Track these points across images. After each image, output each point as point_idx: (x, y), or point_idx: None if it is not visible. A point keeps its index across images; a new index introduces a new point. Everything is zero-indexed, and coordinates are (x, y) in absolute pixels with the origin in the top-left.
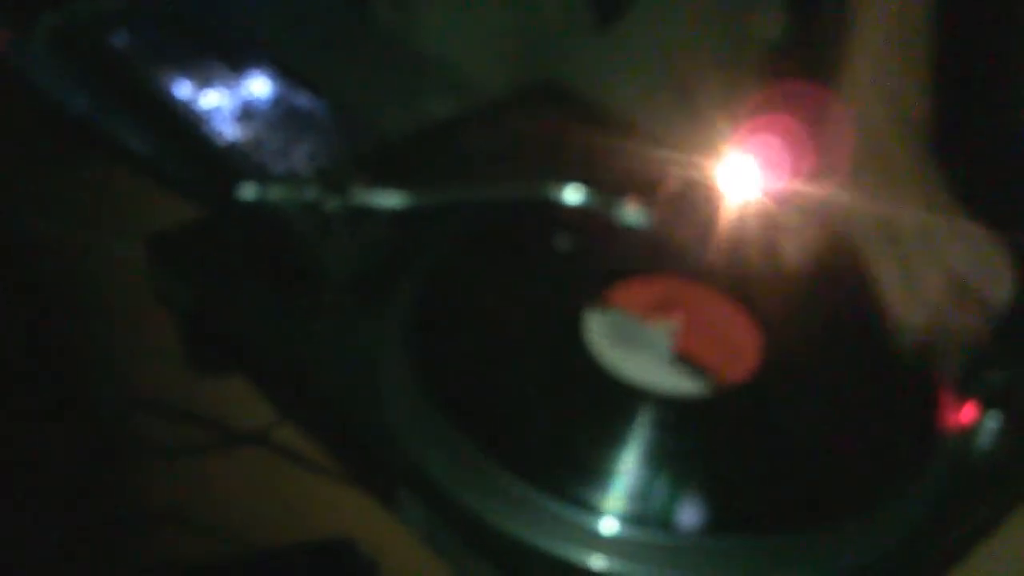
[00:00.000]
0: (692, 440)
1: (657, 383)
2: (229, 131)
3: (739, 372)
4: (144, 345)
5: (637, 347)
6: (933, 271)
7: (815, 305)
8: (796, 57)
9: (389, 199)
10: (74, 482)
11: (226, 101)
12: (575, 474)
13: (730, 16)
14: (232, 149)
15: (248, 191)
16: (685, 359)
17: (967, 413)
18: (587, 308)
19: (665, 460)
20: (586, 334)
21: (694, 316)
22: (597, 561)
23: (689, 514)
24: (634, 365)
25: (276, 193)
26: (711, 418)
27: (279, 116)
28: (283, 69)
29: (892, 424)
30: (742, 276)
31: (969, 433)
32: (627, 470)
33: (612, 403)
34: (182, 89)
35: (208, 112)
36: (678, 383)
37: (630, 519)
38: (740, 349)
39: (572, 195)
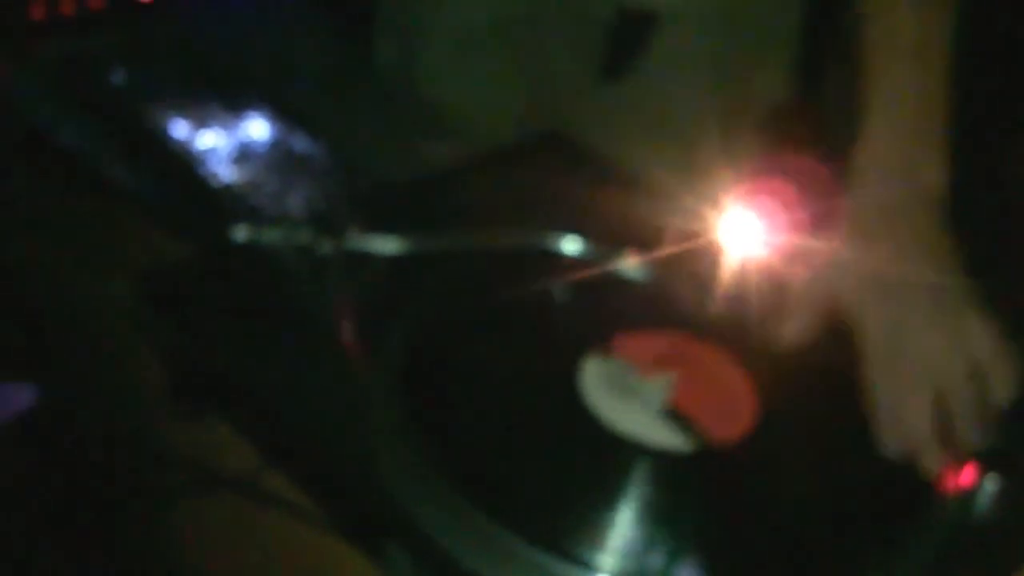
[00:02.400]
0: (685, 497)
1: (648, 436)
2: (225, 172)
3: (733, 430)
4: (128, 384)
5: (631, 398)
6: (924, 390)
7: (813, 362)
8: (801, 118)
9: (385, 245)
10: (48, 520)
11: (223, 142)
12: (568, 529)
13: (736, 74)
14: (227, 191)
15: (242, 233)
16: (678, 414)
17: (967, 475)
18: (588, 355)
19: (659, 516)
20: (582, 386)
21: (690, 372)
22: None
23: (682, 573)
24: (627, 416)
25: (270, 236)
26: (705, 475)
27: (276, 159)
28: (281, 112)
29: (890, 485)
30: (740, 332)
31: (968, 496)
32: (622, 526)
33: (607, 458)
34: (179, 129)
35: (204, 153)
36: (669, 438)
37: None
38: (735, 406)
39: (571, 246)
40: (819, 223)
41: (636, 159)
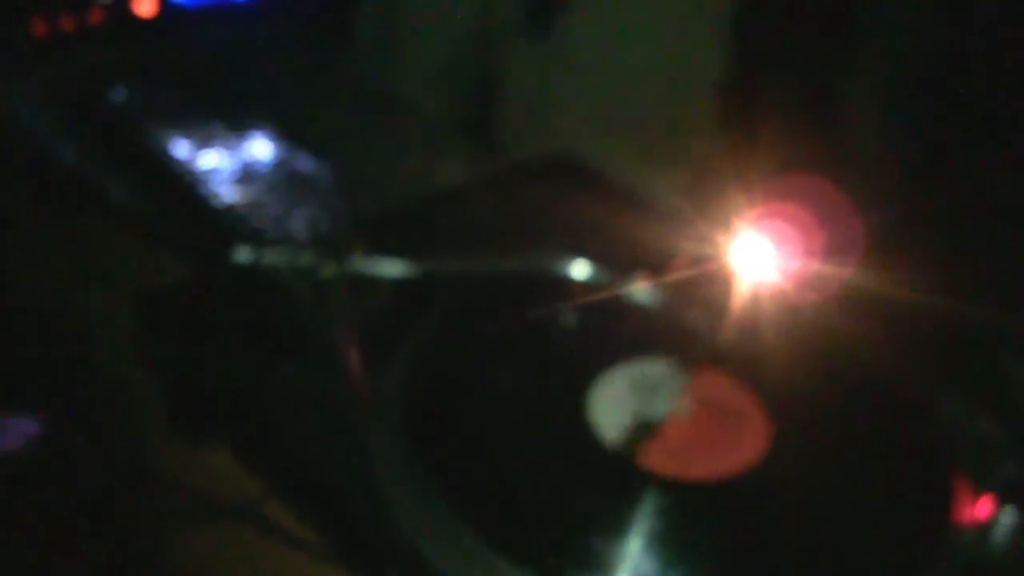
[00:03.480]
0: (696, 527)
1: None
2: (227, 192)
3: (744, 458)
4: (126, 408)
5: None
6: None
7: (826, 393)
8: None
9: (389, 267)
10: (45, 547)
11: (225, 162)
12: (577, 560)
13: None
14: (229, 211)
15: (244, 254)
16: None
17: (982, 508)
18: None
19: (670, 547)
20: (593, 412)
21: (700, 398)
22: None
23: None
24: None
25: (272, 257)
26: (715, 504)
27: (279, 179)
28: (285, 132)
29: (904, 518)
30: (751, 359)
31: (984, 528)
32: (631, 557)
33: (617, 487)
34: (180, 148)
35: (206, 172)
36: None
37: None
38: (746, 436)
39: (579, 270)
40: (834, 248)
41: (645, 179)
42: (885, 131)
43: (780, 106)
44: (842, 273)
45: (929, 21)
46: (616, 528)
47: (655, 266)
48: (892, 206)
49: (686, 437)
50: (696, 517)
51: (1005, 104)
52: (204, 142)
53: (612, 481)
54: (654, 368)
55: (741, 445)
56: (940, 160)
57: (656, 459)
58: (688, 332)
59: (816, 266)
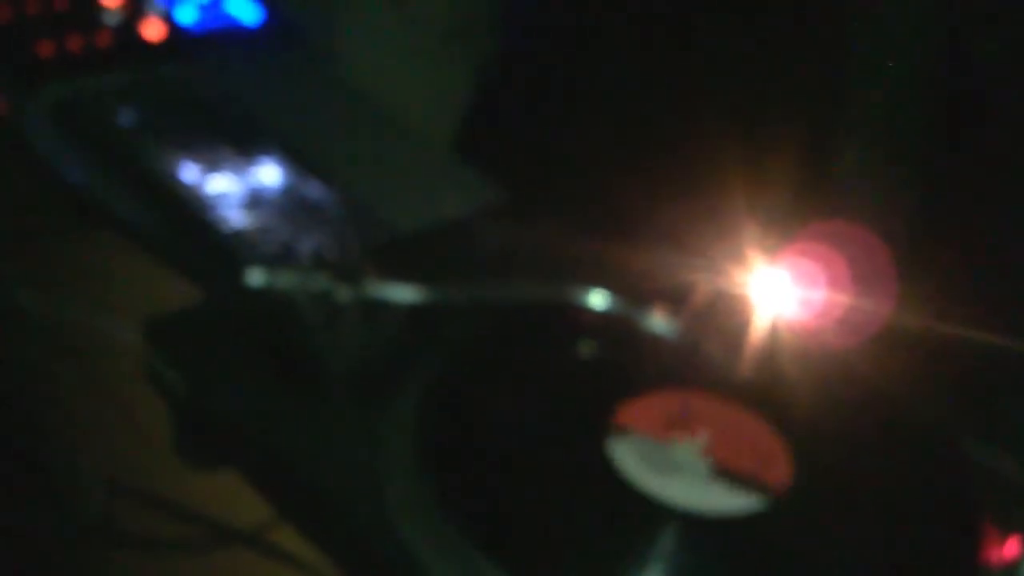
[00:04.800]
0: (715, 562)
1: (698, 502)
2: (236, 218)
3: (767, 494)
4: (134, 432)
5: (670, 468)
6: None
7: (849, 428)
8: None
9: (403, 293)
10: (46, 571)
11: (234, 187)
12: None
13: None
14: (238, 236)
15: (256, 277)
16: (724, 471)
17: (1011, 548)
18: (609, 434)
19: None
20: (617, 462)
21: (719, 432)
22: None
23: None
24: (671, 486)
25: (285, 280)
26: (735, 539)
27: (288, 205)
28: (294, 157)
29: (931, 557)
30: (772, 392)
31: (1013, 568)
32: None
33: (634, 519)
34: (188, 172)
35: (215, 197)
36: (728, 500)
37: None
38: (767, 472)
39: (597, 300)
40: (856, 283)
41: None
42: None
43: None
44: (865, 308)
45: (926, 67)
46: (633, 562)
47: (674, 297)
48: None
49: (723, 467)
50: (716, 551)
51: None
52: (212, 166)
53: (628, 514)
54: (670, 400)
55: (761, 480)
56: (944, 201)
57: (674, 493)
58: (707, 365)
59: (838, 300)
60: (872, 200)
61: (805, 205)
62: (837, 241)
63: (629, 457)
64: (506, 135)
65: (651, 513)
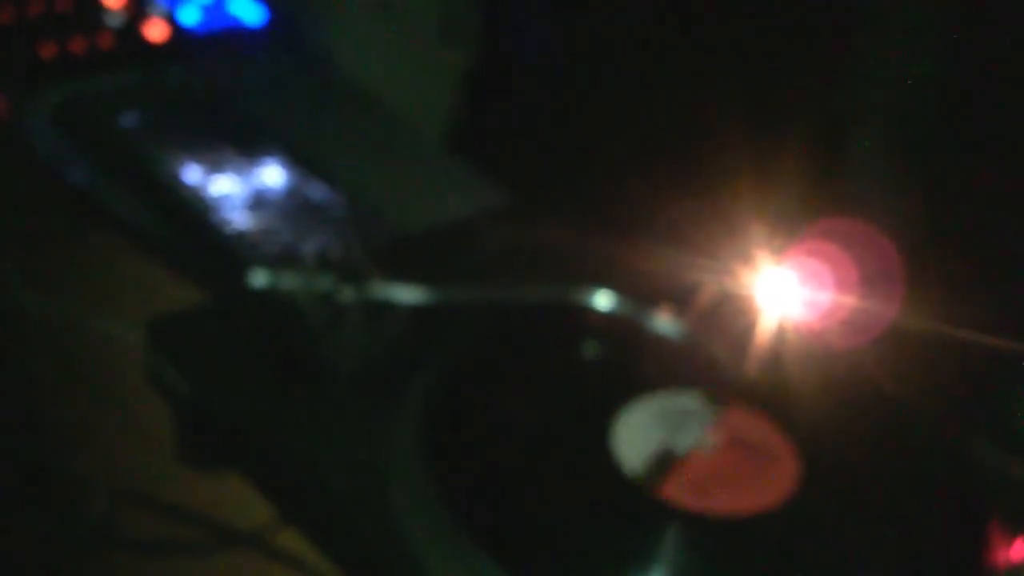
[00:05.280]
0: (720, 564)
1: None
2: (238, 219)
3: (771, 495)
4: (136, 434)
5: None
6: None
7: (855, 429)
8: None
9: (406, 294)
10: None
11: (237, 189)
12: None
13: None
14: (241, 238)
15: (259, 277)
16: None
17: (1018, 549)
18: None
19: None
20: (615, 443)
21: (726, 434)
22: None
23: None
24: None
25: (288, 281)
26: (742, 541)
27: (291, 206)
28: (297, 159)
29: (938, 559)
30: (778, 393)
31: (1020, 570)
32: None
33: (638, 520)
34: (191, 174)
35: (218, 199)
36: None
37: None
38: (774, 471)
39: (602, 301)
40: (863, 284)
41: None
42: (898, 172)
43: (799, 140)
44: (872, 309)
45: (935, 64)
46: (637, 562)
47: (679, 298)
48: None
49: (710, 472)
50: (719, 554)
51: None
52: (215, 167)
53: (633, 515)
54: (677, 401)
55: (767, 481)
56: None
57: (679, 493)
58: (712, 365)
59: (845, 301)
60: (881, 199)
61: (812, 206)
62: (843, 241)
63: (633, 423)
64: (507, 135)
65: (656, 514)
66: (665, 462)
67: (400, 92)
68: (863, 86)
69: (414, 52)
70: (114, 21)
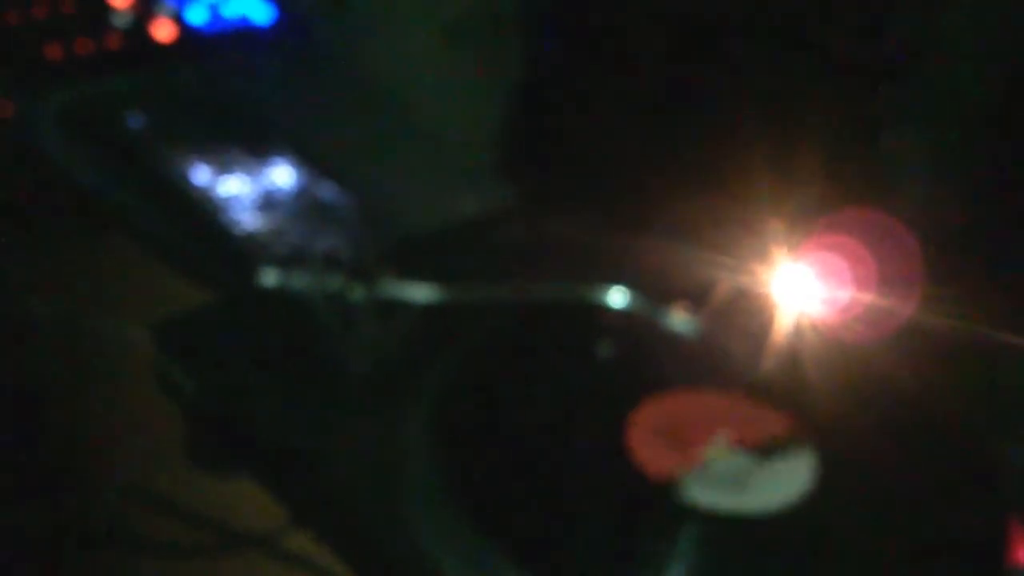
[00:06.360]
0: (738, 562)
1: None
2: (248, 220)
3: (788, 494)
4: (146, 435)
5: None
6: None
7: (873, 427)
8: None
9: (418, 293)
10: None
11: (246, 189)
12: None
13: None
14: (250, 239)
15: (270, 277)
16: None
17: None
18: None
19: None
20: (630, 442)
21: (742, 433)
22: None
23: None
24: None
25: (299, 280)
26: (760, 539)
27: (301, 207)
28: (307, 159)
29: (958, 557)
30: (795, 391)
31: None
32: None
33: (655, 519)
34: (200, 175)
35: (227, 200)
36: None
37: None
38: (791, 468)
39: (616, 299)
40: (882, 280)
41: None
42: (935, 168)
43: (820, 137)
44: (890, 305)
45: (994, 53)
46: (655, 561)
47: (694, 296)
48: (938, 237)
49: (727, 469)
50: (738, 551)
51: None
52: (224, 167)
53: (650, 513)
54: (694, 400)
55: (785, 478)
56: (997, 194)
57: (697, 491)
58: (729, 362)
59: (862, 297)
60: (912, 196)
61: (828, 201)
62: (861, 237)
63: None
64: (524, 134)
65: (672, 512)
66: (683, 462)
67: (423, 91)
68: (901, 89)
69: (434, 49)
70: (121, 22)
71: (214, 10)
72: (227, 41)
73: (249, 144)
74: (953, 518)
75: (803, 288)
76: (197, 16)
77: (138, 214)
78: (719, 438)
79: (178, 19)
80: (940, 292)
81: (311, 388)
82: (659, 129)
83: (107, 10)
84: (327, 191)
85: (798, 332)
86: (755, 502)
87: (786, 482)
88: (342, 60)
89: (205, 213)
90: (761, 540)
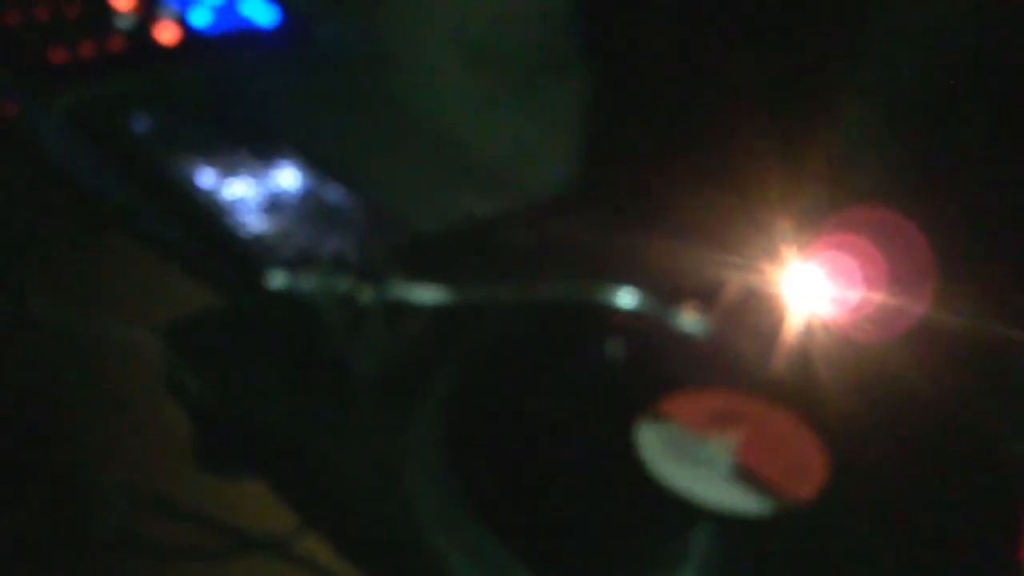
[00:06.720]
0: (748, 563)
1: (716, 499)
2: (254, 223)
3: (800, 494)
4: (155, 439)
5: (695, 462)
6: None
7: (886, 423)
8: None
9: (427, 294)
10: None
11: (252, 192)
12: None
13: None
14: (256, 241)
15: (278, 279)
16: (747, 474)
17: None
18: (640, 421)
19: None
20: (639, 446)
21: (754, 432)
22: None
23: None
24: (691, 479)
25: (307, 283)
26: (771, 540)
27: (307, 209)
28: (312, 160)
29: (970, 556)
30: (806, 391)
31: None
32: None
33: (664, 520)
34: (205, 178)
35: (232, 203)
36: (739, 500)
37: None
38: (803, 469)
39: (625, 299)
40: (893, 279)
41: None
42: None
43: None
44: (900, 304)
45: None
46: (664, 562)
47: (704, 295)
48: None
49: (746, 469)
50: (748, 553)
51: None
52: (229, 170)
53: (661, 514)
54: (703, 400)
55: (797, 479)
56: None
57: (705, 490)
58: (739, 363)
59: (874, 297)
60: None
61: (838, 200)
62: (871, 235)
63: (656, 442)
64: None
65: (684, 516)
66: (692, 463)
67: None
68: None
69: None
70: (124, 24)
71: (217, 12)
72: (231, 43)
73: (253, 146)
74: (964, 518)
75: (813, 287)
76: (200, 18)
77: (142, 216)
78: (728, 438)
79: (181, 21)
80: (951, 290)
81: (319, 390)
82: (666, 128)
83: (110, 12)
84: (333, 193)
85: (808, 332)
86: (762, 501)
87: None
88: (351, 65)
89: (210, 215)
90: (771, 541)
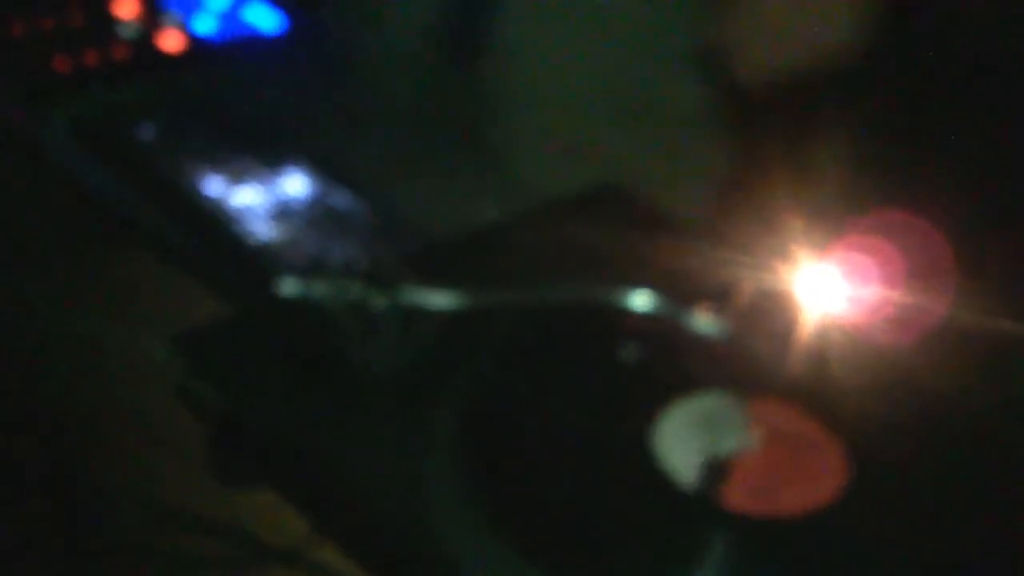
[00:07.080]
0: (766, 566)
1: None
2: (263, 230)
3: (818, 496)
4: (167, 448)
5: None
6: None
7: (904, 426)
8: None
9: (440, 299)
10: None
11: (260, 199)
12: None
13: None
14: (266, 249)
15: (290, 286)
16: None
17: None
18: (657, 423)
19: None
20: (656, 449)
21: (771, 434)
22: None
23: None
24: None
25: (319, 289)
26: (792, 541)
27: (316, 216)
28: (320, 167)
29: (988, 557)
30: (823, 392)
31: None
32: None
33: (681, 523)
34: (213, 185)
35: (240, 210)
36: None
37: None
38: (821, 471)
39: (640, 302)
40: (913, 279)
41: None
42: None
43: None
44: (918, 304)
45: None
46: (683, 565)
47: (719, 297)
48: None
49: (756, 472)
50: (766, 556)
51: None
52: (237, 177)
53: (678, 517)
54: (721, 401)
55: (814, 481)
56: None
57: (725, 495)
58: (756, 364)
59: (890, 296)
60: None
61: (854, 199)
62: (888, 235)
63: (673, 445)
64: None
65: (703, 520)
66: (710, 466)
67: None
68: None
69: None
70: (128, 32)
71: (221, 19)
72: (235, 50)
73: (260, 153)
74: (985, 520)
75: (829, 288)
76: (204, 26)
77: (150, 225)
78: (748, 441)
79: (185, 29)
80: (971, 288)
81: (333, 397)
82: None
83: (114, 21)
84: (342, 200)
85: (824, 332)
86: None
87: None
88: (357, 70)
89: (219, 223)
90: (790, 543)
